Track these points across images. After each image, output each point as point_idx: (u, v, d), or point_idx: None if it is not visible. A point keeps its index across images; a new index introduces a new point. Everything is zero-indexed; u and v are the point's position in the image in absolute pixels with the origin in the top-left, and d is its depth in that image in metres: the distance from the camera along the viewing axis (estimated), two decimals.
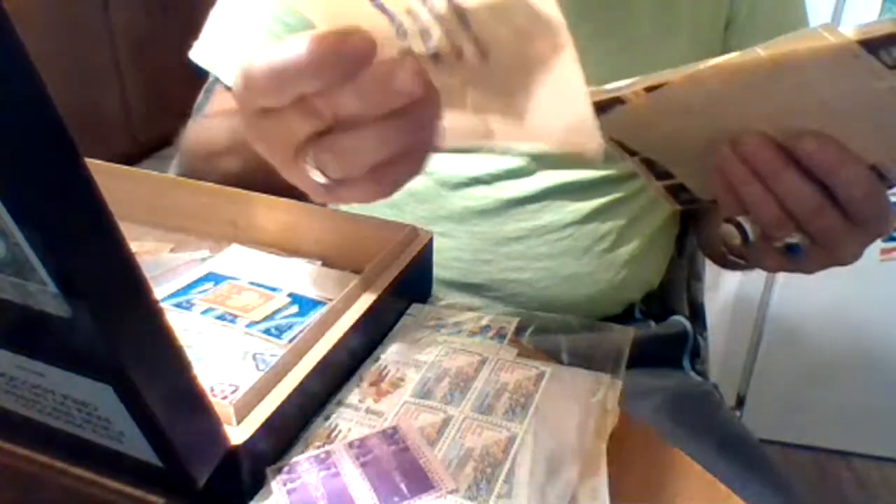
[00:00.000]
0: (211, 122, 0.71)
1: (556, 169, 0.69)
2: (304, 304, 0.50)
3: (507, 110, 0.37)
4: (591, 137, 0.35)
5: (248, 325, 0.48)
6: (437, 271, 0.71)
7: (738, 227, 0.49)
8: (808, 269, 0.51)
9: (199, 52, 0.73)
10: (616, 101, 0.47)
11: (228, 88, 0.72)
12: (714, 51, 0.63)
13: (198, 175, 0.67)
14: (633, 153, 0.54)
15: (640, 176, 0.58)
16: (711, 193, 0.54)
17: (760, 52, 0.39)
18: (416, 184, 0.70)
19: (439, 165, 0.70)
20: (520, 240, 0.70)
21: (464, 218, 0.71)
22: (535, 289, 0.71)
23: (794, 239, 0.47)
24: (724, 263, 0.78)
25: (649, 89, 0.45)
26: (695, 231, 0.85)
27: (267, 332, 0.48)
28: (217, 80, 0.75)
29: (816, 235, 0.47)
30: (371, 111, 0.33)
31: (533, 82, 0.34)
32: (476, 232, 0.70)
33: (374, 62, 0.32)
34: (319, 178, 0.36)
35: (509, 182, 0.69)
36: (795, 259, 0.49)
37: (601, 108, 0.48)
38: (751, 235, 0.49)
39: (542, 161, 0.69)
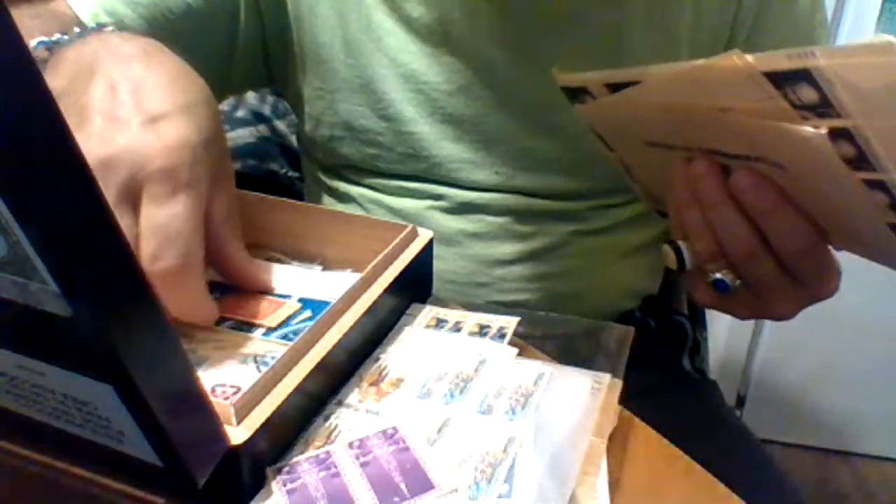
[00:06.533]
0: None
1: (547, 197, 0.68)
2: (317, 308, 0.49)
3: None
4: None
5: (265, 334, 0.47)
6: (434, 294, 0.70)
7: (677, 251, 0.47)
8: (737, 313, 0.49)
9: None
10: (584, 91, 0.45)
11: None
12: None
13: None
14: (611, 149, 0.52)
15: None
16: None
17: (736, 59, 0.34)
18: (409, 206, 0.68)
19: (435, 191, 0.68)
20: (514, 262, 0.69)
21: (457, 241, 0.69)
22: (536, 309, 0.70)
23: (723, 276, 0.45)
24: None
25: (611, 86, 0.42)
26: None
27: (285, 338, 0.46)
28: None
29: (749, 280, 0.45)
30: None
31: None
32: (468, 255, 0.69)
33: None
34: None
35: (504, 207, 0.67)
36: (722, 296, 0.47)
37: (573, 93, 0.46)
38: (687, 262, 0.47)
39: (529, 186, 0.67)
